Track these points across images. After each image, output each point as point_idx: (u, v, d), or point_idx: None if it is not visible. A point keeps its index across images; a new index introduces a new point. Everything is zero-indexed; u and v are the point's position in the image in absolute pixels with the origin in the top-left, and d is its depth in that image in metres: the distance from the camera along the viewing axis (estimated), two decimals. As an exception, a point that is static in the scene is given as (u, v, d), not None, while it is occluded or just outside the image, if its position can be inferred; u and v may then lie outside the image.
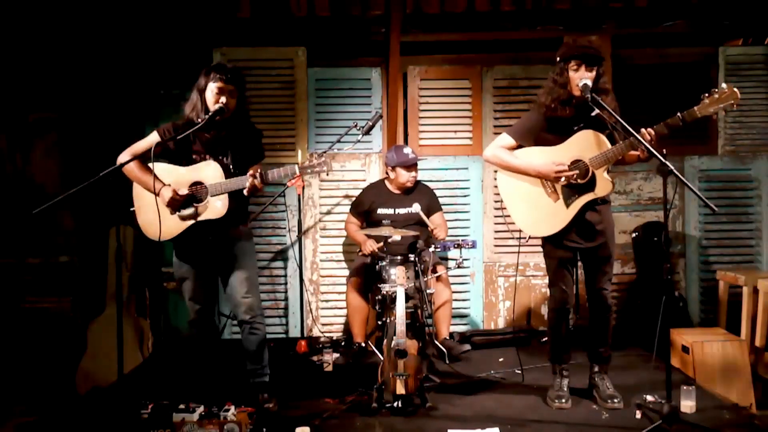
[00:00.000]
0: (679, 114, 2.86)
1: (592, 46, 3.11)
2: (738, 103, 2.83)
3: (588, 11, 4.56)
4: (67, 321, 4.45)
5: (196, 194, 3.03)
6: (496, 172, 3.33)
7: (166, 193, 2.97)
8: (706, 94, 2.83)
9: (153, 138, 3.03)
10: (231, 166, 3.06)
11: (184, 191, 3.01)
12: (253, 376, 3.25)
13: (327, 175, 2.77)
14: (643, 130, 2.88)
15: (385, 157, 4.31)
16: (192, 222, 3.03)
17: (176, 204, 3.00)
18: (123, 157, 2.97)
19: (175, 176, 3.05)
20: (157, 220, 2.96)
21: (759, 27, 4.79)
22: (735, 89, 2.80)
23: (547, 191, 3.13)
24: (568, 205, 3.09)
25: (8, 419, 3.48)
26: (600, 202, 3.15)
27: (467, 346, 4.04)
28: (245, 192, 2.93)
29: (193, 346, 3.31)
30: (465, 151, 4.67)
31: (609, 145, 3.02)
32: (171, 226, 3.05)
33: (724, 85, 2.82)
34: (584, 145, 3.06)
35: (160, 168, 3.06)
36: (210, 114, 2.97)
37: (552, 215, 3.11)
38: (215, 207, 2.98)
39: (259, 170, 2.92)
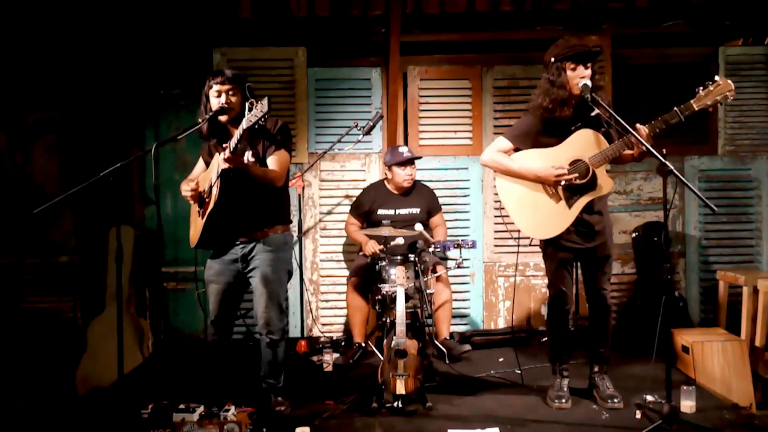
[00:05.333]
0: (675, 108, 2.87)
1: (583, 43, 3.11)
2: (734, 96, 2.85)
3: (588, 11, 4.56)
4: (67, 321, 4.46)
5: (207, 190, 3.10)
6: (494, 179, 3.31)
7: (182, 190, 3.14)
8: (701, 88, 2.85)
9: (199, 161, 3.30)
10: (253, 160, 3.07)
11: (194, 184, 3.13)
12: (266, 381, 3.24)
13: (266, 119, 2.75)
14: (638, 126, 2.89)
15: (384, 158, 4.31)
16: (205, 219, 3.06)
17: (192, 195, 3.13)
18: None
19: (203, 182, 3.18)
20: (195, 228, 3.19)
21: (759, 27, 4.79)
22: (729, 81, 2.83)
23: (548, 193, 3.12)
24: (570, 206, 3.08)
25: (9, 417, 3.48)
26: (598, 203, 3.15)
27: (467, 347, 4.04)
28: (220, 169, 2.89)
29: (209, 345, 3.29)
30: (465, 151, 4.67)
31: (607, 143, 3.02)
32: (197, 229, 3.15)
33: (717, 78, 2.84)
34: (583, 144, 3.05)
35: (200, 177, 3.25)
36: (209, 115, 3.02)
37: (555, 217, 3.10)
38: (213, 195, 3.01)
39: (229, 142, 2.92)
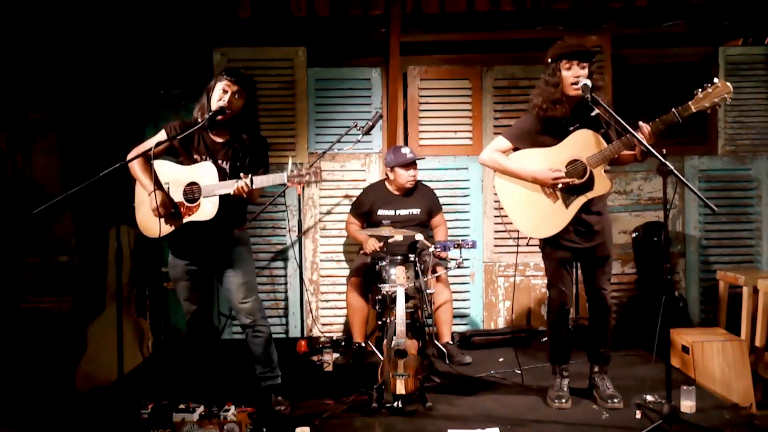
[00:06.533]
0: (673, 110, 2.87)
1: (580, 43, 3.11)
2: (734, 96, 2.84)
3: (588, 11, 4.57)
4: (67, 321, 4.45)
5: (189, 195, 3.01)
6: (494, 178, 3.31)
7: (155, 199, 2.95)
8: (699, 90, 2.85)
9: (160, 135, 3.06)
10: (228, 172, 3.03)
11: (169, 204, 2.98)
12: (264, 379, 3.25)
13: (316, 186, 2.82)
14: (641, 123, 2.90)
15: (385, 158, 4.32)
16: (182, 222, 3.02)
17: (161, 213, 2.95)
18: (130, 155, 3.01)
19: (174, 174, 3.05)
20: (154, 219, 2.99)
21: (759, 27, 4.80)
22: (728, 83, 2.82)
23: (546, 192, 3.13)
24: (567, 206, 3.09)
25: (8, 419, 3.48)
26: (597, 203, 3.15)
27: (469, 359, 4.00)
28: (232, 193, 2.90)
29: (191, 346, 3.30)
30: (465, 151, 4.67)
31: (605, 144, 3.02)
32: (162, 224, 3.04)
33: (716, 80, 2.83)
34: (581, 144, 3.06)
35: (162, 164, 3.07)
36: (211, 113, 2.98)
37: (552, 216, 3.11)
38: (205, 209, 2.97)
39: (250, 175, 2.90)
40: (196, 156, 3.07)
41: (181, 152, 3.09)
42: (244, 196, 2.91)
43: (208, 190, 2.97)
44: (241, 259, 3.15)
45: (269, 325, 3.26)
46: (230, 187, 2.91)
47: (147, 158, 2.97)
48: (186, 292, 3.17)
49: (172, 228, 3.03)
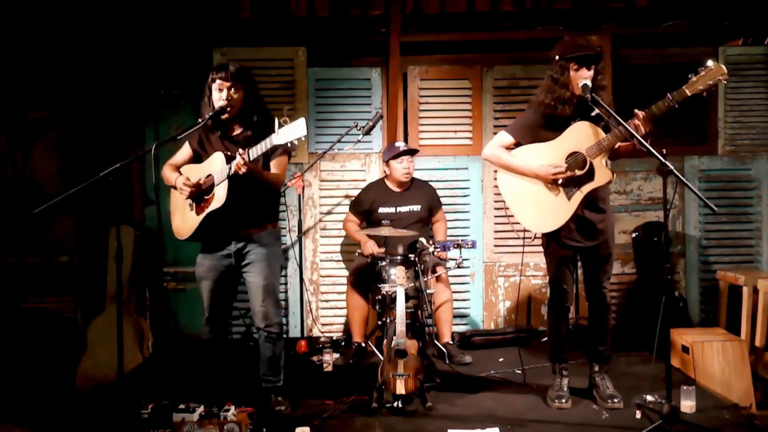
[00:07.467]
0: (668, 95, 2.86)
1: (589, 44, 3.11)
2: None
3: (588, 11, 4.57)
4: (67, 321, 4.46)
5: (204, 185, 3.05)
6: (495, 171, 3.32)
7: (179, 182, 3.07)
8: (693, 74, 2.84)
9: (185, 147, 3.21)
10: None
11: (194, 179, 3.06)
12: (266, 381, 3.24)
13: (303, 139, 2.77)
14: (636, 111, 2.88)
15: (382, 156, 4.33)
16: (204, 216, 3.03)
17: (190, 191, 3.04)
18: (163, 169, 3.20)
19: (195, 174, 3.12)
20: (184, 221, 3.11)
21: (759, 27, 4.80)
22: (722, 66, 2.81)
23: (548, 186, 3.12)
24: (569, 198, 3.07)
25: (7, 420, 3.48)
26: (601, 200, 3.15)
27: (469, 359, 4.00)
28: (232, 171, 2.89)
29: (206, 344, 3.28)
30: (465, 151, 4.67)
31: (604, 135, 3.02)
32: (189, 223, 3.11)
33: (710, 63, 2.82)
34: (580, 137, 3.05)
35: (185, 168, 3.19)
36: (210, 113, 3.00)
37: (555, 210, 3.10)
38: (218, 195, 2.99)
39: (248, 150, 2.89)
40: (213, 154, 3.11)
41: (202, 155, 3.15)
42: (242, 171, 2.84)
43: (218, 177, 3.00)
44: (265, 260, 3.13)
45: (283, 331, 3.26)
46: (231, 166, 2.90)
47: (177, 165, 3.21)
48: (207, 291, 3.18)
49: (196, 224, 3.06)
